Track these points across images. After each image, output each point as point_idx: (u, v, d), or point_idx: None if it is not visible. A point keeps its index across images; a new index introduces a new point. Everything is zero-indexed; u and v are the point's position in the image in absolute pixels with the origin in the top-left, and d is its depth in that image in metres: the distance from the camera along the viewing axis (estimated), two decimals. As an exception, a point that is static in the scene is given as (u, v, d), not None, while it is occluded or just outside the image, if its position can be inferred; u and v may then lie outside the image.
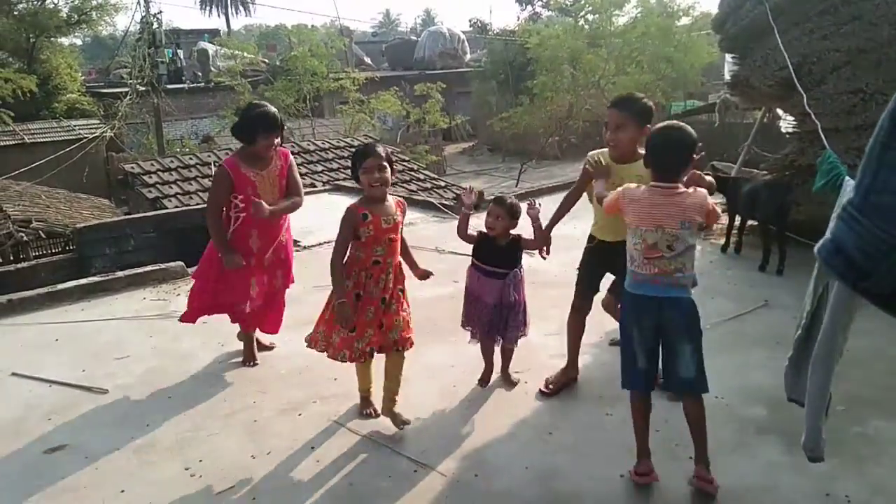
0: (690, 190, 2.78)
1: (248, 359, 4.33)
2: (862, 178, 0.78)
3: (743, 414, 3.50)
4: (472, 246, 3.72)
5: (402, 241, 3.53)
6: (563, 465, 3.11)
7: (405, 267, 3.56)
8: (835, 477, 2.89)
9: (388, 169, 3.34)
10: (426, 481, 3.04)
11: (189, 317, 4.23)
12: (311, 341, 3.50)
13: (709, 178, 3.07)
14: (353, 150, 14.28)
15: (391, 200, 3.41)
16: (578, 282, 3.84)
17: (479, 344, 3.79)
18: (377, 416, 3.56)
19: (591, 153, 3.52)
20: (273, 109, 4.01)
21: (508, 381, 3.88)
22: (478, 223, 3.72)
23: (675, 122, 2.93)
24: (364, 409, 3.65)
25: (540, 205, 3.59)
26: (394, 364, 3.51)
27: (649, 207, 2.77)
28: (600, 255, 3.67)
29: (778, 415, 3.45)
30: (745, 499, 2.84)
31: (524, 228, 3.68)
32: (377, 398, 3.59)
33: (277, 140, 4.00)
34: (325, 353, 3.44)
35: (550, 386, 3.79)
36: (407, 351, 3.51)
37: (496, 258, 3.62)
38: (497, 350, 3.82)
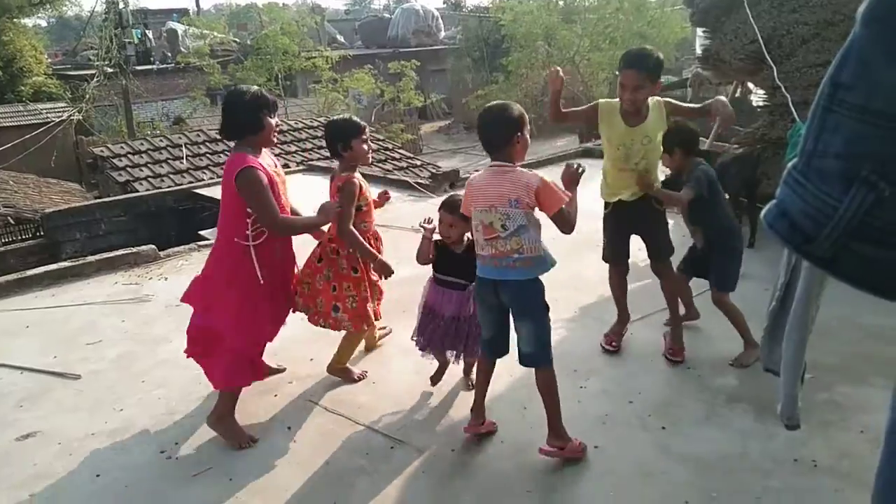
0: (521, 170, 2.81)
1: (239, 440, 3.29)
2: (805, 142, 0.79)
3: (713, 384, 3.56)
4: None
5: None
6: (538, 439, 3.13)
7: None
8: (803, 442, 2.95)
9: None
10: (403, 458, 3.06)
11: (259, 376, 3.51)
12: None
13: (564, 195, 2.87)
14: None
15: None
16: (603, 252, 3.94)
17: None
18: None
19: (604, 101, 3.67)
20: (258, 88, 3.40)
21: (466, 385, 3.65)
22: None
23: (500, 101, 2.97)
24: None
25: None
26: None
27: (485, 188, 2.84)
28: (618, 217, 3.77)
29: (747, 384, 3.52)
30: (717, 466, 2.90)
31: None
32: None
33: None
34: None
35: (614, 343, 3.93)
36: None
37: (454, 269, 3.36)
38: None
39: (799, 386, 1.98)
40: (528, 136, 2.87)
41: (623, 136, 3.59)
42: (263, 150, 3.30)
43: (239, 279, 3.20)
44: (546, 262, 2.90)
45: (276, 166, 3.36)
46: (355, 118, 3.65)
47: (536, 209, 2.82)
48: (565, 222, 2.83)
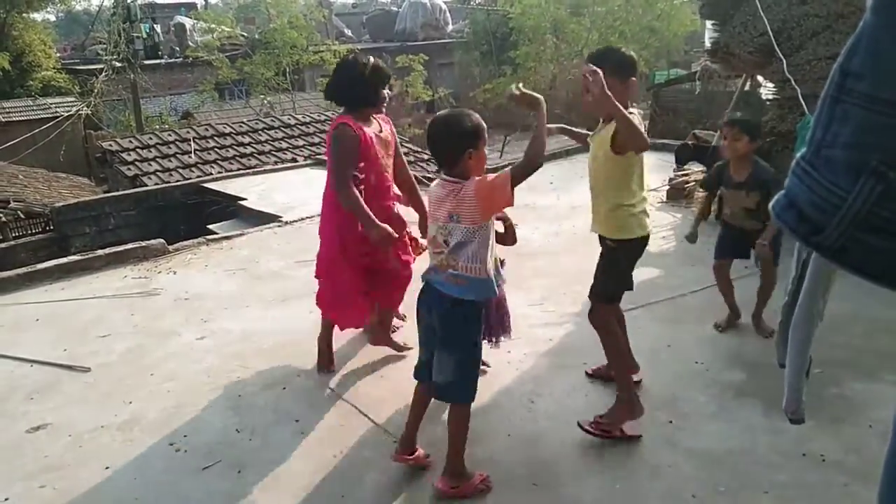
0: (468, 182, 2.54)
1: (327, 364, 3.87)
2: (814, 132, 0.78)
3: (722, 378, 3.55)
4: None
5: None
6: (545, 433, 3.15)
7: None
8: (811, 437, 2.94)
9: None
10: (410, 451, 3.06)
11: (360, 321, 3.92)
12: None
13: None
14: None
15: None
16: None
17: None
18: None
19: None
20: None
21: None
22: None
23: (454, 110, 2.69)
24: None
25: None
26: None
27: (434, 199, 2.66)
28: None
29: (756, 379, 3.51)
30: (724, 461, 2.89)
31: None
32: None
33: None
34: None
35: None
36: None
37: None
38: None
39: (804, 380, 1.97)
40: (484, 150, 2.59)
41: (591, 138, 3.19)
42: (374, 116, 3.59)
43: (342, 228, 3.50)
44: (483, 288, 2.62)
45: (381, 131, 3.58)
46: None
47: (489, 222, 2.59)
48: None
